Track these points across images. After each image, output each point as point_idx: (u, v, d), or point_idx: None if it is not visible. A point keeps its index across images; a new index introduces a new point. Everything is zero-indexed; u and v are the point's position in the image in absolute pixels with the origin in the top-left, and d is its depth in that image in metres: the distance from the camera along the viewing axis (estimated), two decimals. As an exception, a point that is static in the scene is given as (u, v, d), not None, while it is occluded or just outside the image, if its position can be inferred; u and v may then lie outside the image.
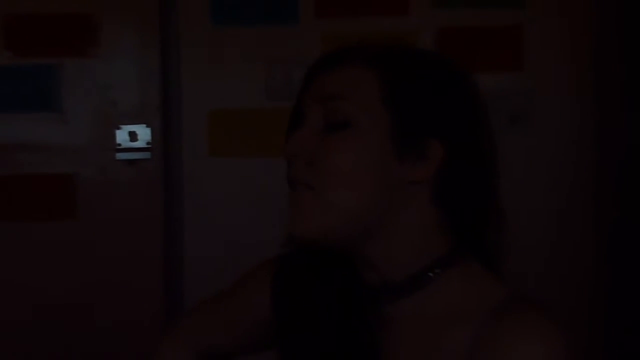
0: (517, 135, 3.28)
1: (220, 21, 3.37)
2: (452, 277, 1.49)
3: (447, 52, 2.02)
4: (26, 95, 3.40)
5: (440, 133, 1.43)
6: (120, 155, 3.34)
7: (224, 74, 3.36)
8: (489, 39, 3.41)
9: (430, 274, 1.45)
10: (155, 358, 1.79)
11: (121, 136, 3.34)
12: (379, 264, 1.48)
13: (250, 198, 2.96)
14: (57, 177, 3.37)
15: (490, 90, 2.98)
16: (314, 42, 2.71)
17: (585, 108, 3.37)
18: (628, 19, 3.38)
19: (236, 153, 3.29)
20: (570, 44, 3.42)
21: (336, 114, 1.47)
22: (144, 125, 3.35)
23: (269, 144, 2.60)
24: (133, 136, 3.36)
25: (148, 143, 3.34)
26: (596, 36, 3.41)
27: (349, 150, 1.47)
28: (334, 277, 1.57)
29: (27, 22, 3.42)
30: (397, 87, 1.42)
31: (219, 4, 3.41)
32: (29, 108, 3.38)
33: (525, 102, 3.37)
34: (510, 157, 3.13)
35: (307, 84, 1.53)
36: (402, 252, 1.49)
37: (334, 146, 1.47)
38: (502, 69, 3.36)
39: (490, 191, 1.48)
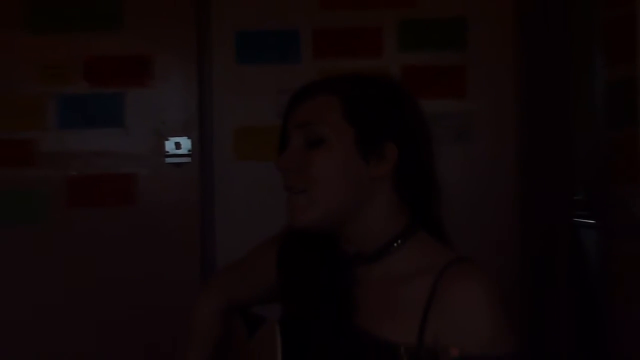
0: (460, 147, 3.45)
1: (243, 61, 3.51)
2: (409, 246, 1.66)
3: (409, 84, 2.32)
4: (99, 116, 3.55)
5: (393, 137, 1.62)
6: (168, 160, 3.53)
7: (245, 100, 3.50)
8: (440, 74, 3.51)
9: (395, 244, 1.64)
10: (195, 309, 1.99)
11: (169, 145, 3.52)
12: (355, 240, 1.68)
13: (263, 191, 2.91)
14: (122, 175, 3.55)
15: (441, 113, 3.42)
16: (312, 75, 2.49)
17: (509, 127, 3.47)
18: (548, 62, 3.47)
19: (254, 158, 3.39)
20: (498, 79, 3.50)
21: (312, 134, 1.64)
22: (186, 137, 3.53)
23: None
24: (178, 145, 3.53)
25: (189, 151, 3.52)
26: (519, 73, 3.51)
27: (326, 160, 1.63)
28: (319, 250, 1.75)
29: (100, 61, 3.56)
30: (355, 106, 1.62)
31: (242, 48, 3.53)
32: (101, 125, 3.54)
33: (467, 122, 3.49)
34: (455, 162, 3.26)
35: (289, 113, 1.70)
36: (371, 230, 1.67)
37: (314, 159, 1.64)
38: (449, 97, 3.48)
39: (432, 177, 1.69)
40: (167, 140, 3.56)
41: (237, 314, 2.00)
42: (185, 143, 3.55)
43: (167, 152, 3.56)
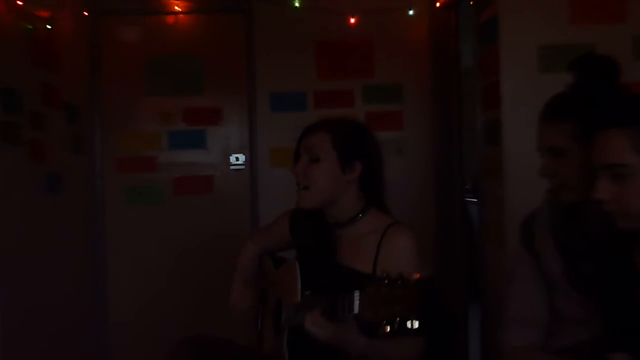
0: (399, 158, 3.54)
1: (274, 110, 3.59)
2: (366, 217, 1.78)
3: (369, 123, 2.49)
4: (192, 142, 3.66)
5: (359, 158, 1.76)
6: (232, 167, 3.67)
7: (276, 132, 3.55)
8: (387, 116, 3.55)
9: (358, 216, 1.77)
10: (242, 251, 2.09)
11: (232, 159, 3.67)
12: (335, 214, 1.79)
13: (285, 185, 2.23)
14: (205, 177, 3.67)
15: (388, 139, 3.37)
16: (313, 119, 2.09)
17: (428, 147, 3.57)
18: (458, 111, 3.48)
19: (281, 166, 3.34)
20: (420, 119, 3.57)
21: (312, 155, 1.75)
22: (242, 154, 3.66)
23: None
24: (237, 159, 3.66)
25: (243, 162, 3.66)
26: (433, 116, 3.57)
27: (319, 171, 1.75)
28: (315, 220, 1.84)
29: (192, 111, 3.64)
30: (338, 139, 1.75)
31: (274, 102, 3.58)
32: (193, 148, 3.67)
33: (403, 144, 3.57)
34: (395, 168, 3.25)
35: (300, 140, 1.81)
36: (345, 208, 1.78)
37: (313, 170, 1.75)
38: (393, 129, 3.54)
39: (381, 179, 1.82)
40: (231, 156, 3.68)
41: (267, 256, 2.06)
42: (242, 158, 3.67)
43: (231, 163, 3.67)
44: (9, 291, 2.53)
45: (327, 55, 3.60)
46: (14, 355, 2.55)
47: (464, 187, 3.43)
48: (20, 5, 2.64)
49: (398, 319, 1.23)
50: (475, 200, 3.13)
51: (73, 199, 3.30)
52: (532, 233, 1.57)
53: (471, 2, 2.86)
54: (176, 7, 3.57)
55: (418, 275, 1.27)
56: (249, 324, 2.02)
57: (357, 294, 1.38)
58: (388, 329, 1.24)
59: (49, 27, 2.94)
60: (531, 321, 1.53)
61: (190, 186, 3.67)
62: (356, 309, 1.38)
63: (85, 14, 3.46)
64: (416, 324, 1.22)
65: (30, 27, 2.78)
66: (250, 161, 3.65)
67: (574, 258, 1.47)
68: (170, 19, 3.62)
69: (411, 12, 3.51)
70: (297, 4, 3.40)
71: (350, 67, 3.59)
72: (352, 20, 3.53)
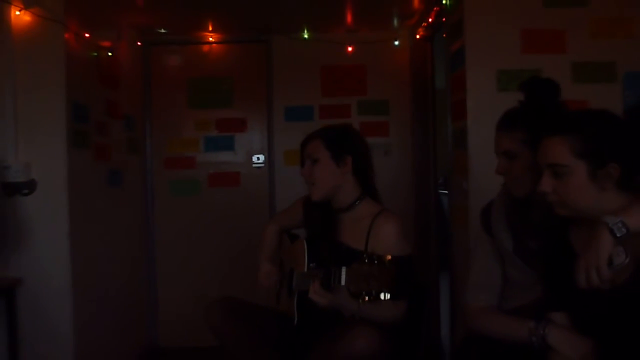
0: (386, 159, 3.54)
1: (287, 120, 3.58)
2: (362, 204, 1.82)
3: (362, 130, 2.45)
4: (223, 146, 3.62)
5: (348, 152, 1.80)
6: (254, 166, 3.64)
7: (289, 139, 3.44)
8: (377, 126, 3.55)
9: (356, 203, 1.81)
10: (264, 230, 2.09)
11: (254, 159, 3.64)
12: (337, 201, 1.84)
13: (295, 179, 2.21)
14: (233, 173, 3.64)
15: (378, 144, 3.37)
16: (319, 127, 2.02)
17: (409, 150, 3.56)
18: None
19: (292, 165, 3.17)
20: (403, 128, 3.55)
21: (312, 158, 1.82)
22: (262, 155, 3.63)
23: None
24: (258, 159, 3.64)
25: (263, 162, 3.63)
26: (412, 126, 3.52)
27: (320, 170, 1.81)
28: (322, 207, 1.86)
29: (224, 121, 3.59)
30: (328, 140, 1.81)
31: (288, 114, 3.57)
32: (224, 150, 3.63)
33: (389, 147, 3.57)
34: (382, 168, 2.77)
35: (302, 149, 1.87)
36: (345, 196, 1.83)
37: (315, 170, 1.81)
38: (381, 136, 3.54)
39: (371, 166, 1.85)
40: (254, 156, 3.64)
41: (285, 233, 2.07)
42: (262, 158, 3.64)
43: (254, 162, 3.64)
44: (82, 261, 2.56)
45: (330, 77, 3.59)
46: (84, 310, 2.57)
47: (437, 182, 3.36)
48: (87, 37, 2.65)
49: (374, 291, 1.28)
50: (446, 191, 3.10)
51: (130, 190, 3.31)
52: (490, 217, 1.57)
53: (444, 35, 2.84)
54: (210, 39, 3.57)
55: (390, 257, 1.32)
56: (270, 290, 2.02)
57: (344, 270, 1.43)
58: (367, 299, 1.29)
59: (110, 54, 2.94)
60: (488, 286, 1.54)
61: (221, 180, 3.66)
62: (343, 282, 1.43)
63: (139, 43, 3.47)
64: (388, 296, 1.27)
65: (95, 54, 2.79)
66: (268, 161, 3.64)
67: (523, 237, 1.48)
68: (206, 47, 3.62)
69: (396, 43, 3.52)
70: (306, 36, 3.39)
71: (348, 86, 3.58)
72: (350, 49, 3.53)
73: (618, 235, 1.14)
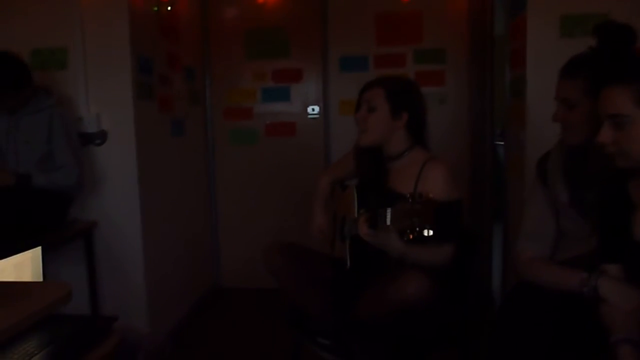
0: (442, 107, 3.41)
1: (343, 70, 3.47)
2: (412, 153, 1.80)
3: (418, 80, 2.41)
4: (279, 96, 3.60)
5: (406, 109, 1.77)
6: (309, 116, 3.61)
7: (344, 87, 3.48)
8: (433, 75, 3.41)
9: (405, 152, 1.80)
10: (319, 180, 2.06)
11: (309, 109, 3.60)
12: (388, 150, 1.82)
13: (350, 127, 1.89)
14: (289, 122, 3.61)
15: (433, 92, 3.33)
16: (373, 77, 1.94)
17: (466, 99, 3.43)
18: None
19: (347, 114, 3.19)
20: (460, 77, 3.41)
21: (370, 105, 1.78)
22: (317, 106, 3.59)
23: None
24: (313, 110, 3.60)
25: (319, 112, 3.59)
26: (470, 75, 3.39)
27: (375, 118, 1.77)
28: (373, 156, 1.84)
29: (280, 72, 3.57)
30: (390, 94, 1.76)
31: (343, 65, 3.48)
32: (280, 100, 3.61)
33: (444, 96, 3.43)
34: (438, 115, 3.09)
35: (361, 94, 1.83)
36: (395, 146, 1.80)
37: (370, 117, 1.78)
38: (437, 85, 3.41)
39: (424, 124, 1.83)
40: (309, 107, 3.61)
41: (338, 183, 2.07)
42: (317, 108, 3.61)
43: (309, 112, 3.61)
44: (151, 206, 2.66)
45: (385, 26, 3.47)
46: (153, 252, 2.70)
47: (493, 132, 3.30)
48: (148, -8, 2.68)
49: (417, 228, 1.29)
50: (502, 142, 3.02)
51: (192, 139, 3.37)
52: (546, 168, 1.54)
53: (505, -20, 2.75)
54: (266, -11, 3.54)
55: (432, 196, 1.33)
56: (322, 241, 2.06)
57: (389, 210, 1.43)
58: (410, 236, 1.30)
59: (169, 8, 2.95)
60: (541, 236, 1.51)
61: (278, 130, 3.67)
62: (388, 222, 1.42)
63: (197, -3, 3.48)
64: (431, 232, 1.27)
65: (156, 9, 2.81)
66: (324, 111, 3.61)
67: (579, 188, 1.44)
68: (261, -1, 3.59)
69: (454, -12, 3.38)
70: (361, -16, 3.28)
71: (403, 35, 3.45)
72: (406, -4, 3.45)
73: None
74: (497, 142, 3.42)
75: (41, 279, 1.68)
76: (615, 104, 1.19)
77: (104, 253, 2.57)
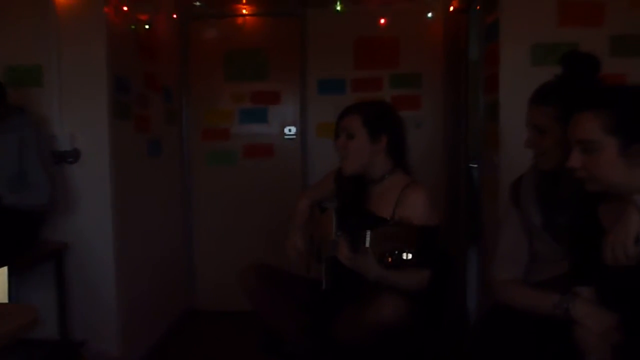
0: (418, 131, 3.44)
1: (321, 93, 3.53)
2: (392, 176, 1.81)
3: (395, 104, 2.35)
4: (257, 118, 3.60)
5: (384, 132, 1.78)
6: (287, 137, 3.61)
7: (321, 110, 3.51)
8: (409, 99, 3.48)
9: (386, 176, 1.80)
10: (297, 202, 2.06)
11: (286, 131, 3.61)
12: (369, 174, 1.82)
13: (328, 151, 2.19)
14: (267, 144, 3.61)
15: (410, 116, 3.21)
16: (351, 101, 2.14)
17: (440, 123, 3.50)
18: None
19: (325, 137, 3.31)
20: (435, 102, 3.47)
21: (348, 133, 1.79)
22: (295, 127, 3.60)
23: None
24: (290, 130, 3.61)
25: (295, 133, 3.60)
26: (445, 99, 3.44)
27: (355, 145, 1.78)
28: (354, 179, 1.84)
29: (259, 94, 3.56)
30: (366, 118, 1.77)
31: (321, 87, 3.53)
32: (258, 122, 3.61)
33: (420, 120, 3.48)
34: (414, 140, 2.67)
35: (339, 120, 1.83)
36: (376, 170, 1.81)
37: (349, 144, 1.79)
38: (413, 109, 3.47)
39: (404, 146, 1.82)
40: (286, 128, 3.61)
41: (316, 205, 2.06)
42: (294, 130, 3.61)
43: (286, 134, 3.62)
44: (125, 227, 2.61)
45: (362, 50, 3.52)
46: (126, 274, 2.64)
47: (468, 155, 3.30)
48: (125, 10, 2.65)
49: (396, 251, 1.29)
50: (477, 165, 3.05)
51: (168, 160, 3.34)
52: (519, 191, 1.55)
53: (478, 8, 2.77)
54: (244, 11, 3.54)
55: (413, 222, 1.35)
56: (298, 262, 2.03)
57: (368, 233, 1.42)
58: (389, 259, 1.29)
59: (147, 27, 2.94)
60: (515, 259, 1.52)
61: (255, 151, 3.66)
62: (367, 244, 1.41)
63: (175, 16, 3.46)
64: (410, 256, 1.28)
65: (134, 27, 2.79)
66: (301, 133, 3.62)
67: (551, 212, 1.46)
68: (241, 20, 3.58)
69: (430, 15, 3.42)
70: (339, 9, 3.31)
71: (380, 59, 3.50)
72: (382, 22, 3.46)
73: None
74: (472, 165, 3.34)
75: (6, 301, 1.63)
76: (585, 129, 1.22)
77: (76, 275, 2.51)
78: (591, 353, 1.19)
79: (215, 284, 3.61)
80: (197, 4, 3.41)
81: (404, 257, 1.29)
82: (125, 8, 2.65)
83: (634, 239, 1.13)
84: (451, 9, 3.25)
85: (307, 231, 2.03)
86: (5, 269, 1.60)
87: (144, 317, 2.89)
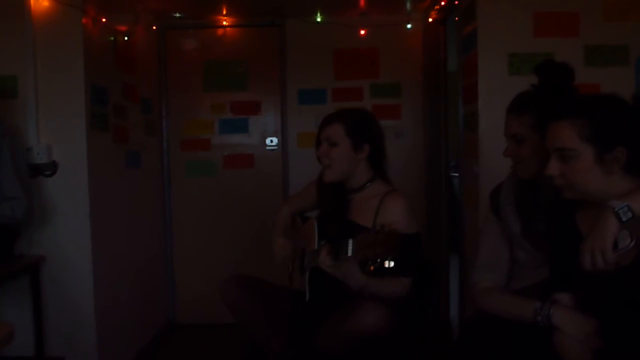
0: (398, 140, 3.49)
1: (301, 103, 3.55)
2: (373, 185, 1.83)
3: (375, 113, 2.17)
4: (237, 128, 3.60)
5: (367, 141, 1.80)
6: (268, 148, 3.62)
7: (302, 122, 3.53)
8: (389, 108, 3.51)
9: (367, 184, 1.85)
10: (279, 211, 2.07)
11: (268, 141, 3.62)
12: (350, 183, 1.84)
13: (309, 161, 2.06)
14: (248, 155, 3.62)
15: (390, 126, 3.32)
16: (331, 110, 2.05)
17: (420, 132, 3.54)
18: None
19: (305, 147, 3.31)
20: (415, 111, 3.52)
21: (331, 142, 1.80)
22: (276, 138, 3.61)
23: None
24: (272, 141, 3.61)
25: (277, 144, 3.61)
26: (424, 109, 3.49)
27: (337, 153, 1.79)
28: (334, 188, 1.85)
29: (238, 104, 3.58)
30: (350, 127, 1.79)
31: (301, 97, 3.55)
32: (239, 132, 3.61)
33: (401, 129, 3.52)
34: (395, 147, 2.85)
35: (320, 129, 1.84)
36: (358, 178, 1.83)
37: (332, 153, 1.80)
38: (394, 119, 3.50)
39: (384, 155, 1.85)
40: (267, 139, 3.62)
41: (298, 215, 2.06)
42: (275, 140, 3.62)
43: (267, 144, 3.62)
44: (103, 239, 2.58)
45: (342, 60, 3.55)
46: (104, 287, 2.61)
47: (448, 164, 3.35)
48: (104, 22, 2.65)
49: (378, 259, 1.30)
50: (457, 174, 3.09)
51: (147, 171, 3.32)
52: (498, 199, 1.57)
53: (456, 19, 2.81)
54: (224, 22, 3.55)
55: (394, 229, 1.34)
56: (283, 268, 2.03)
57: (350, 241, 1.44)
58: (372, 267, 1.31)
59: (126, 38, 2.93)
60: (496, 266, 1.54)
61: (236, 162, 3.66)
62: (350, 252, 1.43)
63: (154, 27, 3.46)
64: (392, 264, 1.28)
65: (112, 38, 2.78)
66: (282, 143, 3.63)
67: (530, 219, 1.48)
68: (220, 31, 3.59)
69: (409, 26, 3.46)
70: (319, 20, 3.35)
71: (361, 69, 3.54)
72: (362, 33, 3.49)
73: (624, 219, 1.15)
74: (452, 174, 3.42)
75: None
76: (562, 138, 1.24)
77: (52, 289, 2.46)
78: (571, 359, 1.20)
79: (196, 296, 3.58)
80: (177, 15, 3.41)
81: (386, 265, 1.30)
82: (103, 19, 2.65)
83: (612, 244, 1.14)
84: (430, 20, 3.30)
85: (289, 238, 2.02)
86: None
87: (123, 331, 2.85)
